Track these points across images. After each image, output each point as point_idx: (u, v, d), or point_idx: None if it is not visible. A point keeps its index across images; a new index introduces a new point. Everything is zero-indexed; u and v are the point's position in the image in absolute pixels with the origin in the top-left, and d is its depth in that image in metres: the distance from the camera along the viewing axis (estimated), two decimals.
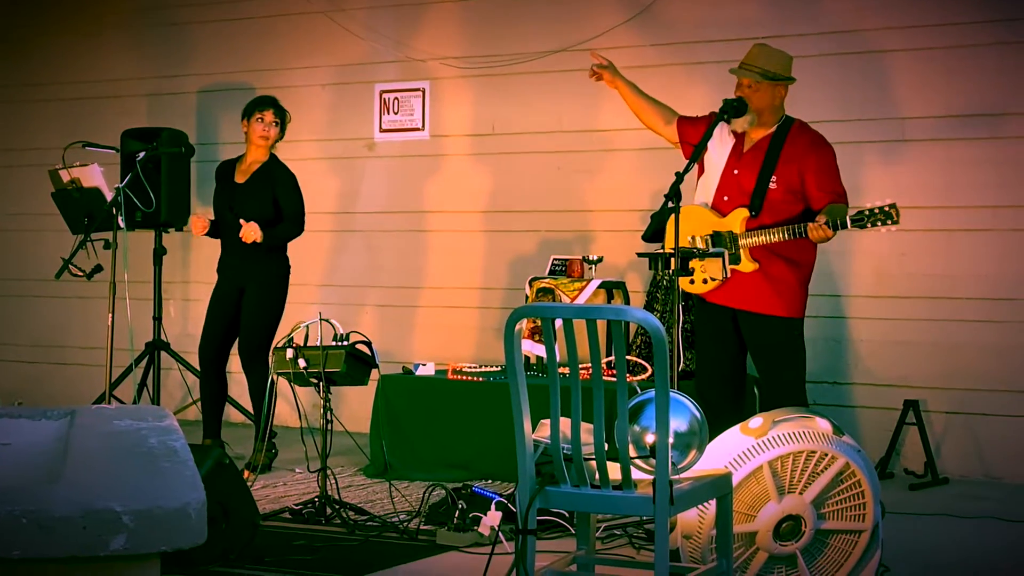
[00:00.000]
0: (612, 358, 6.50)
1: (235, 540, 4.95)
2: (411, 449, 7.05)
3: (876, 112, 7.31)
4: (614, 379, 3.69)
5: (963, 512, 6.12)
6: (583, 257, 7.35)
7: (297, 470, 7.02)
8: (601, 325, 6.98)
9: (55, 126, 9.65)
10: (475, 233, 8.41)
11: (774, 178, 5.65)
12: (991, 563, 5.27)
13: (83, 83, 9.68)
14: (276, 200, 7.08)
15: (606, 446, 3.74)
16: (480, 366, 7.42)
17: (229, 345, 7.18)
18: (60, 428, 3.21)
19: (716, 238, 5.67)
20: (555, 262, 7.46)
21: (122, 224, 7.00)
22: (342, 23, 8.77)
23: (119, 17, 9.60)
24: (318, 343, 5.86)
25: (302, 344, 5.89)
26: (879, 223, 5.40)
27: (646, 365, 6.83)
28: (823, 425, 4.33)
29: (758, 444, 4.24)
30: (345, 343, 5.88)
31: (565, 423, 3.78)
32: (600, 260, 7.30)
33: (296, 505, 5.87)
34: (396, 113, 8.65)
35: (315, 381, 5.86)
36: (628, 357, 6.84)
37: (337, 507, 5.73)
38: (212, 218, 7.24)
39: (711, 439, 4.09)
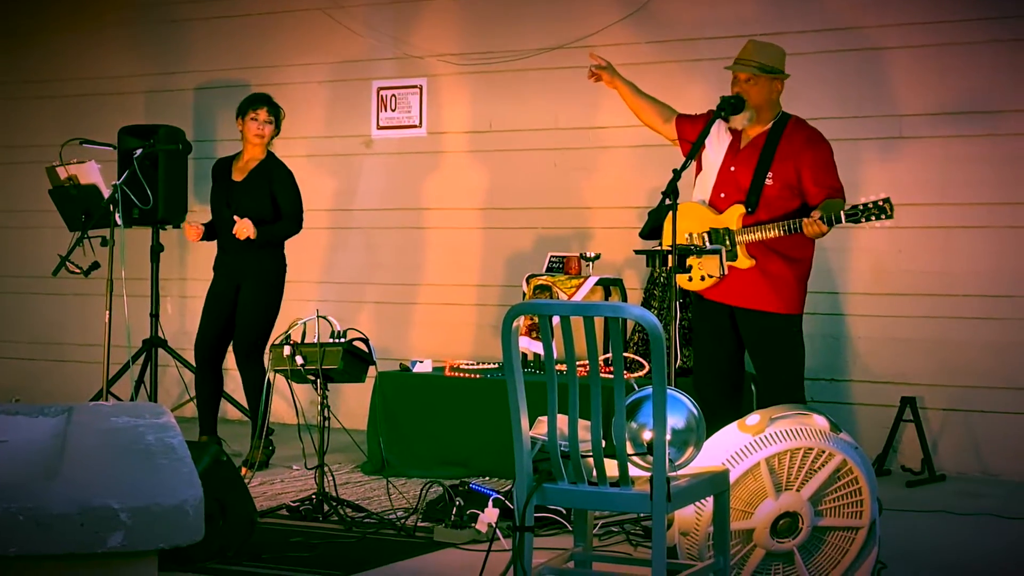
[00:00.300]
0: (609, 355, 6.51)
1: (232, 537, 4.95)
2: (408, 446, 7.05)
3: (873, 109, 7.31)
4: (611, 376, 3.69)
5: (960, 509, 6.12)
6: (580, 254, 7.35)
7: (294, 467, 7.02)
8: (598, 322, 6.98)
9: (52, 123, 9.65)
10: (473, 230, 8.41)
11: (770, 174, 5.65)
12: (988, 560, 5.27)
13: (81, 80, 9.68)
14: (274, 198, 7.07)
15: (603, 443, 3.74)
16: (477, 363, 7.42)
17: (225, 342, 7.18)
18: (57, 425, 3.21)
19: (713, 235, 5.67)
20: (552, 259, 7.46)
21: (119, 221, 6.99)
22: (340, 20, 8.77)
23: (117, 14, 9.59)
24: (315, 340, 5.86)
25: (299, 341, 5.89)
26: (873, 217, 5.40)
27: (643, 362, 6.83)
28: (820, 422, 4.33)
29: (755, 441, 4.24)
30: (342, 340, 5.88)
31: (563, 420, 3.78)
32: (597, 257, 7.30)
33: (293, 502, 5.87)
34: (393, 110, 8.65)
35: (312, 378, 5.86)
36: (625, 354, 6.84)
37: (334, 504, 5.73)
38: (204, 222, 7.24)
39: (708, 436, 4.09)
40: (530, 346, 7.04)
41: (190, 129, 8.94)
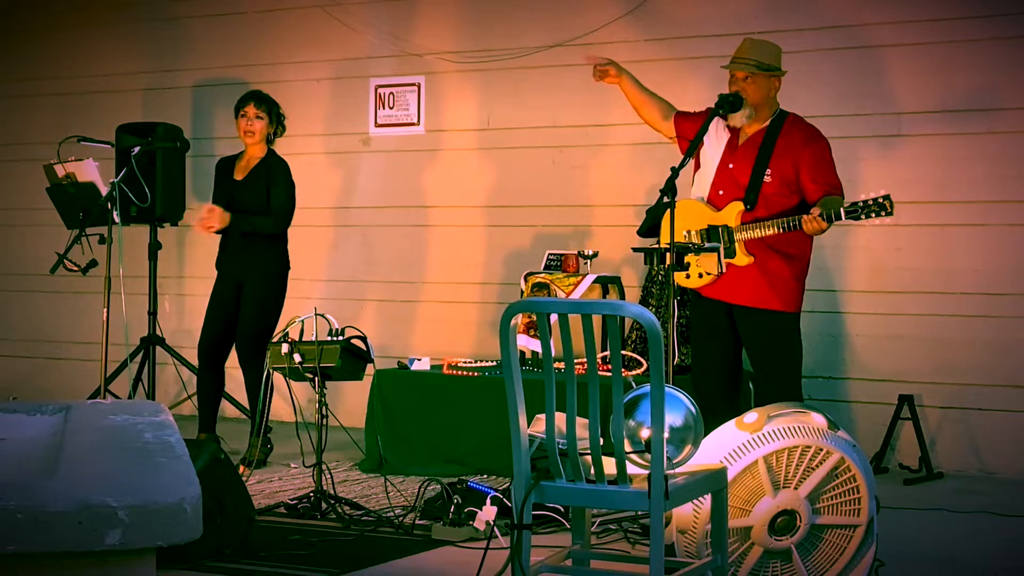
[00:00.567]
0: (608, 353, 6.50)
1: (230, 535, 4.95)
2: (406, 444, 7.05)
3: (872, 107, 7.31)
4: (610, 374, 3.69)
5: (958, 507, 6.12)
6: (578, 252, 7.35)
7: (292, 465, 7.02)
8: (596, 320, 6.98)
9: (50, 121, 9.65)
10: (471, 228, 8.41)
11: (769, 171, 5.65)
12: (986, 557, 5.27)
13: (78, 78, 9.67)
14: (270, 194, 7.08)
15: (601, 441, 3.74)
16: (476, 361, 7.42)
17: (229, 340, 7.17)
18: (55, 423, 3.21)
19: (711, 232, 5.67)
20: (550, 257, 7.46)
21: (117, 219, 6.99)
22: (338, 17, 8.76)
23: (115, 12, 9.58)
24: (313, 338, 5.86)
25: (297, 339, 5.89)
26: (873, 214, 5.40)
27: (641, 360, 6.83)
28: (818, 420, 4.33)
29: (753, 439, 4.24)
30: (340, 338, 5.88)
31: (560, 418, 3.78)
32: (595, 255, 7.30)
33: (291, 500, 5.87)
34: (391, 108, 8.65)
35: (310, 376, 5.86)
36: (623, 352, 6.84)
37: (332, 502, 5.73)
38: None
39: (706, 434, 4.09)
40: (528, 344, 7.04)
41: (188, 127, 8.94)
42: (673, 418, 3.86)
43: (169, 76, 9.36)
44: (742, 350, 5.85)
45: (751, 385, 6.33)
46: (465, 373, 7.10)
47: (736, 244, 5.64)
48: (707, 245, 5.60)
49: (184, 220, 8.47)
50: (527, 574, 3.78)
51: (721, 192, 5.73)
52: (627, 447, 3.77)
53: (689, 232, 5.70)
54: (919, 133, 7.22)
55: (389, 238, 8.68)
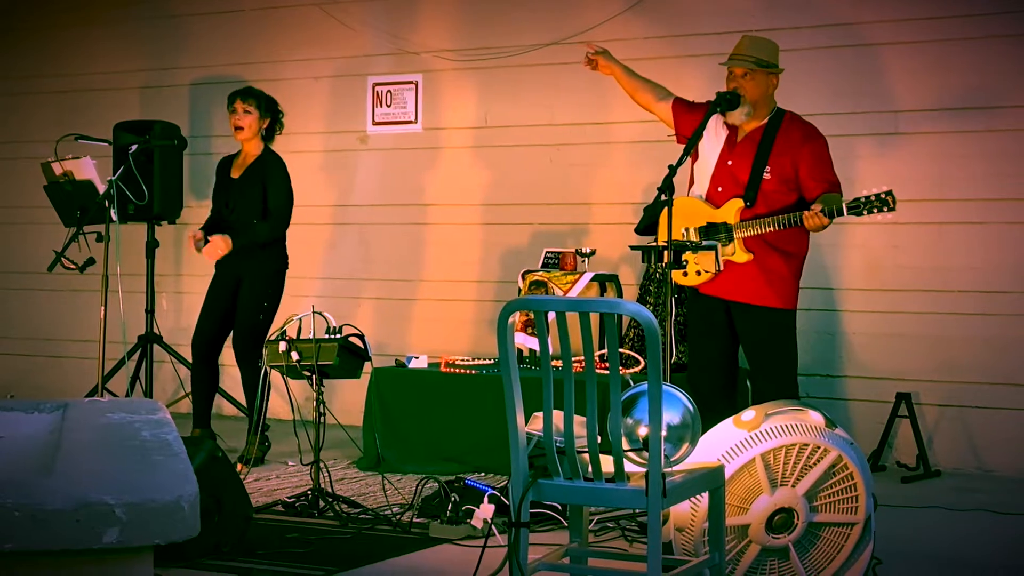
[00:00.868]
0: (605, 351, 6.50)
1: (228, 533, 4.95)
2: (404, 442, 7.05)
3: (869, 105, 7.31)
4: (607, 372, 3.69)
5: (955, 504, 6.13)
6: (576, 250, 7.35)
7: (290, 463, 7.02)
8: (594, 318, 6.98)
9: (48, 119, 9.64)
10: (468, 226, 8.41)
11: (768, 168, 5.66)
12: (983, 555, 5.27)
13: (76, 76, 9.67)
14: (265, 193, 7.06)
15: (599, 439, 3.74)
16: (473, 359, 7.42)
17: (222, 337, 7.18)
18: (53, 421, 3.21)
19: (711, 229, 5.67)
20: (548, 255, 7.46)
21: (115, 217, 6.99)
22: (335, 15, 8.76)
23: (113, 10, 9.58)
24: (311, 336, 5.86)
25: (295, 337, 5.89)
26: (875, 210, 5.40)
27: (639, 358, 6.83)
28: (816, 418, 4.33)
29: (751, 437, 4.24)
30: (338, 336, 5.88)
31: (558, 416, 3.78)
32: (593, 253, 7.30)
33: (289, 498, 5.87)
34: (389, 106, 8.64)
35: (308, 374, 5.86)
36: (621, 350, 6.85)
37: (330, 500, 5.73)
38: (202, 226, 7.23)
39: (704, 432, 4.10)
40: (526, 342, 7.04)
41: (186, 125, 8.93)
42: (671, 416, 3.86)
43: (167, 74, 9.35)
44: (738, 347, 5.86)
45: (748, 383, 6.33)
46: (463, 371, 7.10)
47: (736, 241, 5.65)
48: (705, 243, 5.60)
49: (182, 218, 8.47)
50: (524, 572, 3.78)
51: (720, 189, 5.73)
52: (625, 445, 3.77)
53: (687, 230, 5.70)
54: (916, 131, 7.22)
55: (387, 236, 8.68)
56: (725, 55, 5.91)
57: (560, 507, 5.35)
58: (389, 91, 8.64)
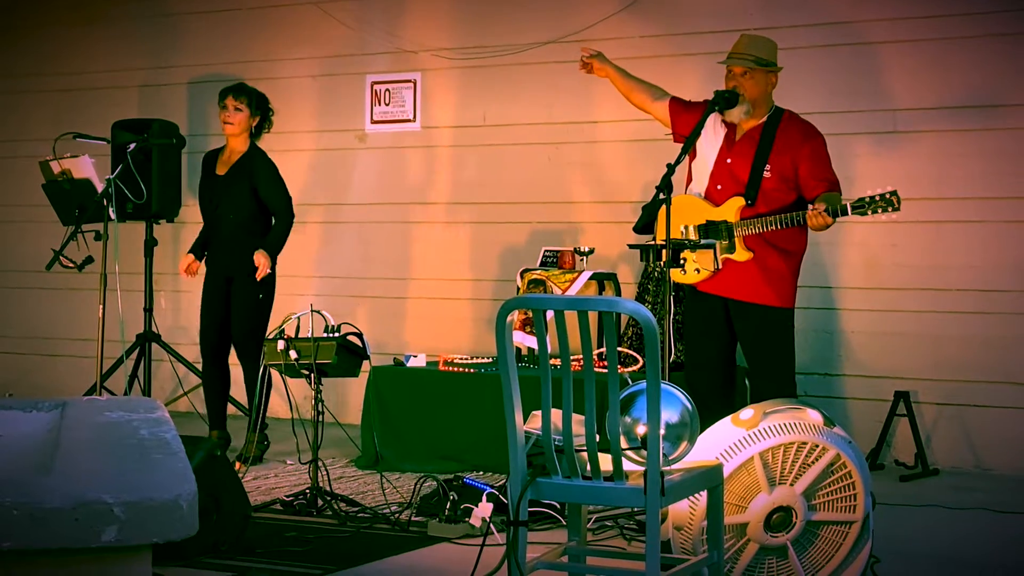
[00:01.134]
0: (603, 349, 6.51)
1: (226, 531, 4.95)
2: (402, 441, 7.05)
3: (867, 103, 7.31)
4: (605, 370, 3.69)
5: (954, 503, 6.13)
6: (574, 248, 7.35)
7: (288, 462, 7.02)
8: (592, 317, 6.98)
9: (46, 117, 9.64)
10: (467, 225, 8.41)
11: (768, 167, 5.65)
12: (982, 554, 5.28)
13: (74, 74, 9.66)
14: (255, 193, 7.05)
15: (597, 438, 3.74)
16: (472, 358, 7.42)
17: (227, 336, 7.16)
18: (51, 420, 3.21)
19: (710, 227, 5.67)
20: (546, 253, 7.46)
21: (113, 215, 6.98)
22: (333, 14, 8.76)
23: (110, 8, 9.57)
24: (309, 334, 5.85)
25: (293, 336, 5.88)
26: (880, 210, 5.40)
27: (637, 356, 6.83)
28: (814, 416, 4.33)
29: (749, 435, 4.24)
30: (336, 335, 5.87)
31: (556, 414, 3.78)
32: (591, 252, 7.30)
33: (287, 497, 5.87)
34: (387, 104, 8.64)
35: (306, 373, 5.86)
36: (619, 348, 6.84)
37: (328, 499, 5.73)
38: (190, 249, 7.23)
39: (702, 430, 4.10)
40: (524, 340, 7.04)
41: (184, 123, 8.93)
42: (669, 415, 3.86)
43: (165, 72, 9.35)
44: (736, 346, 5.86)
45: (746, 381, 6.33)
46: (461, 370, 7.10)
47: (736, 239, 5.64)
48: (703, 242, 5.60)
49: (180, 217, 8.47)
50: (523, 571, 3.78)
51: (719, 187, 5.73)
52: (623, 444, 3.77)
53: (687, 228, 5.70)
54: (914, 130, 7.22)
55: (384, 234, 8.68)
56: (722, 54, 5.91)
57: (558, 506, 5.35)
58: (387, 90, 8.64)
